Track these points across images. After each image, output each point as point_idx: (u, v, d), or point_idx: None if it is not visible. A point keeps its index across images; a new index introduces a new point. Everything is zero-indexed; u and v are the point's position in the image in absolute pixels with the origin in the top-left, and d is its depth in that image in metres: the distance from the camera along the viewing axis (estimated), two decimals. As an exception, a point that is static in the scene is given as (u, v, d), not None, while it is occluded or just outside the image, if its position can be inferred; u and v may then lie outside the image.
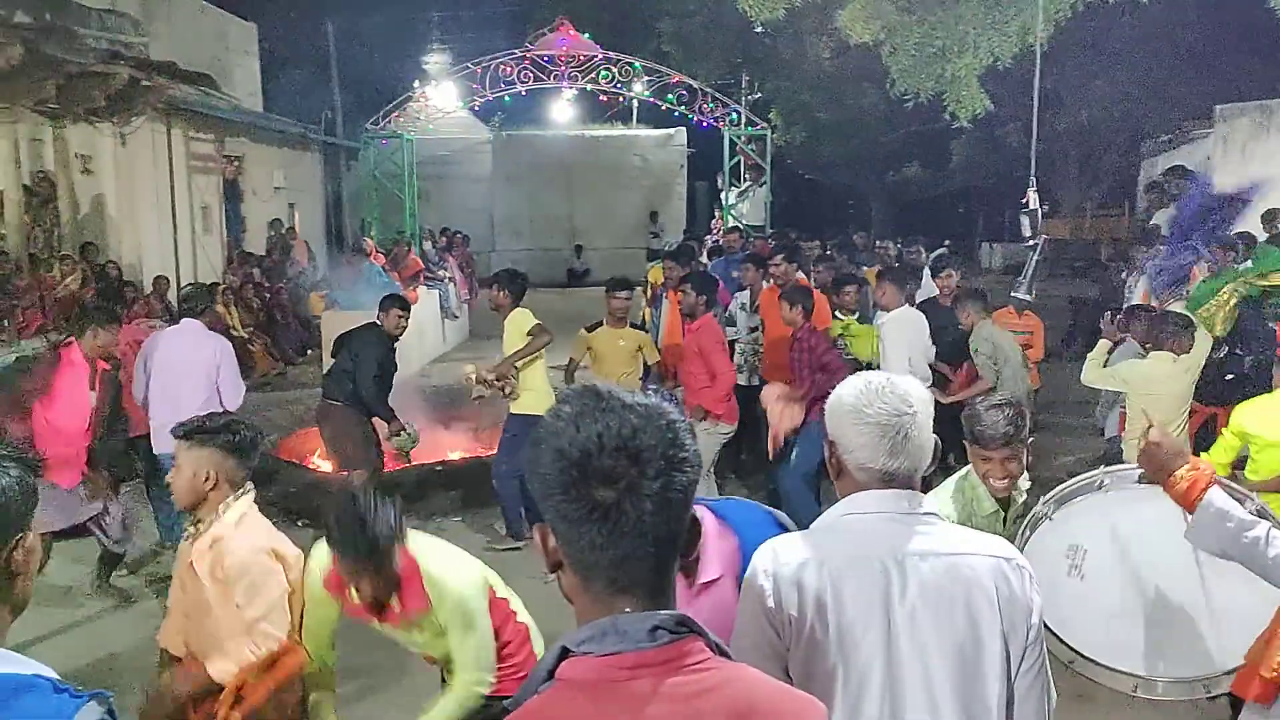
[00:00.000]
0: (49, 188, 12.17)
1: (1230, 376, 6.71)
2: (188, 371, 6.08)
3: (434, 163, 22.11)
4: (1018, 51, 14.17)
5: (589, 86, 17.27)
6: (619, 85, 17.14)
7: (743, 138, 17.86)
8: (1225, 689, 2.78)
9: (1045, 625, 1.97)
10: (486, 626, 3.16)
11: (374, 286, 11.27)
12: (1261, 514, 2.48)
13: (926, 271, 9.08)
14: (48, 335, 9.67)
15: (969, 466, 3.28)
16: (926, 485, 2.15)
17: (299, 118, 19.83)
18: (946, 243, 16.42)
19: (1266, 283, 7.13)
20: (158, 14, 14.59)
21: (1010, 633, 1.89)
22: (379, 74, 24.01)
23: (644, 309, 10.25)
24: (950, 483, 3.32)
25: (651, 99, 17.41)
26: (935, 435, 2.01)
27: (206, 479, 3.12)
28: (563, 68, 16.61)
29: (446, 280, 15.81)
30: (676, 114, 18.12)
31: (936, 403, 2.15)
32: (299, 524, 7.36)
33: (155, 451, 6.25)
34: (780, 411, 6.13)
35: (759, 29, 20.15)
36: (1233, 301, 7.06)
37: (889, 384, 1.97)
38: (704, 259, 10.79)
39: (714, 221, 20.45)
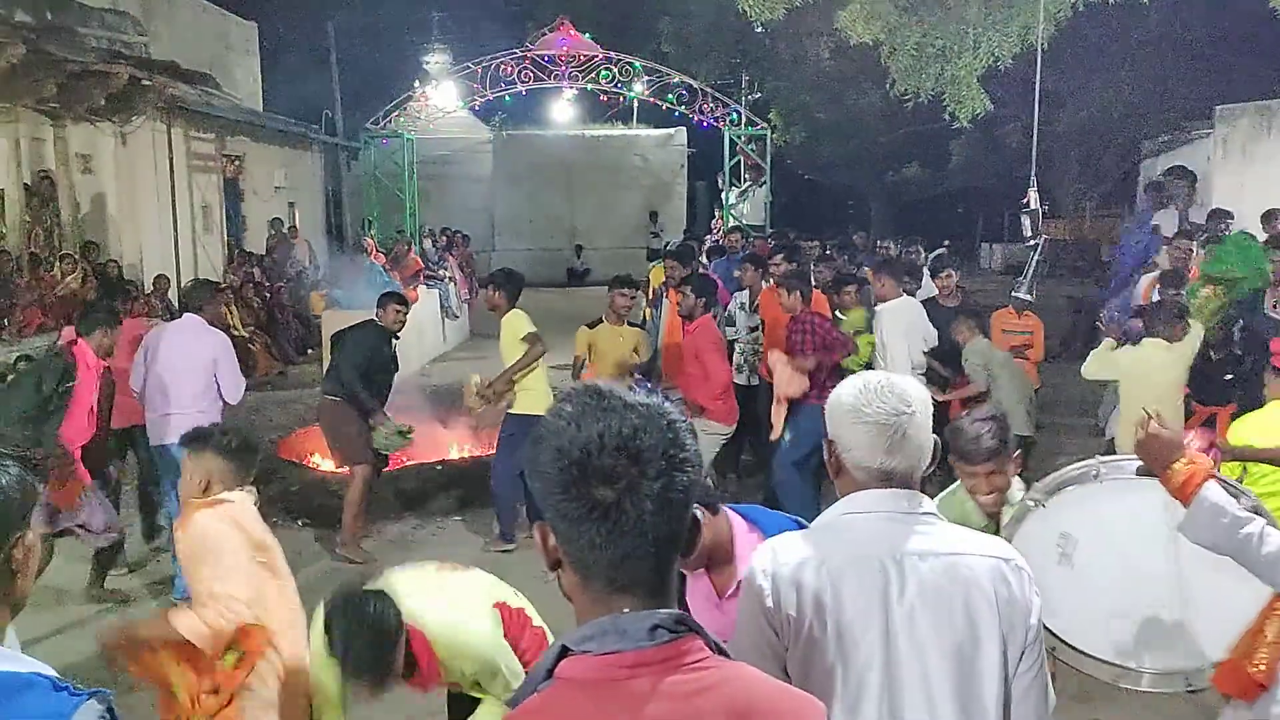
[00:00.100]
0: (49, 187, 12.16)
1: (1230, 377, 6.72)
2: (186, 366, 6.10)
3: (434, 162, 22.12)
4: (1018, 51, 14.15)
5: (589, 86, 17.28)
6: (619, 85, 17.15)
7: (743, 138, 17.87)
8: (1206, 683, 2.78)
9: None
10: (509, 657, 3.15)
11: (374, 286, 11.27)
12: (1257, 511, 2.48)
13: (926, 271, 9.09)
14: (48, 334, 9.68)
15: (959, 482, 3.25)
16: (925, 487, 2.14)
17: (299, 117, 19.84)
18: (946, 243, 16.44)
19: (1219, 282, 7.30)
20: (158, 13, 14.60)
21: (1009, 633, 1.89)
22: (379, 73, 24.02)
23: (644, 309, 10.27)
24: (940, 497, 3.30)
25: (651, 99, 17.41)
26: (935, 435, 2.02)
27: (202, 482, 3.33)
28: (563, 67, 16.62)
29: (447, 280, 15.82)
30: (676, 114, 18.13)
31: (936, 403, 2.15)
32: (299, 523, 7.38)
33: (152, 443, 6.27)
34: (787, 377, 6.25)
35: (759, 29, 20.13)
36: (1211, 306, 7.16)
37: (888, 383, 1.98)
38: (703, 259, 10.79)
39: (714, 221, 20.45)
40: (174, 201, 14.21)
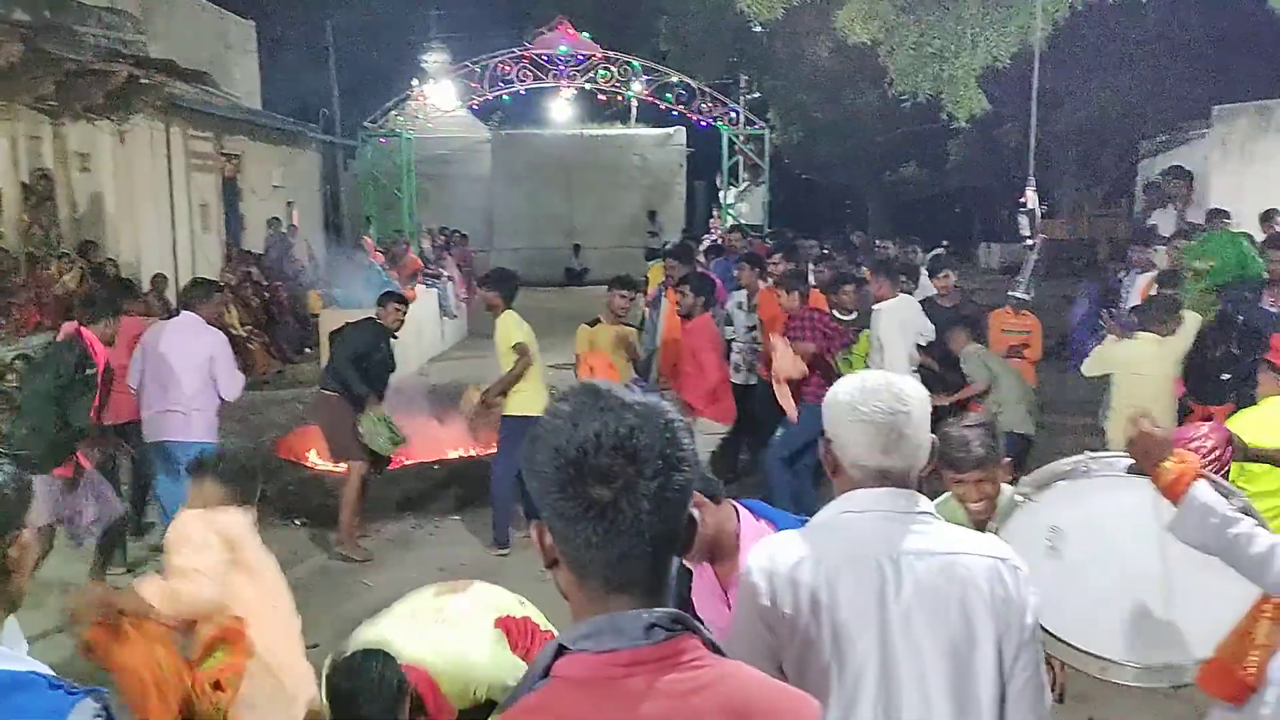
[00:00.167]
0: (47, 185, 12.14)
1: (1227, 376, 6.73)
2: (183, 364, 6.11)
3: (433, 161, 22.09)
4: (1016, 51, 14.17)
5: (587, 86, 17.26)
6: (617, 84, 17.14)
7: (741, 137, 17.86)
8: (1189, 679, 2.78)
9: None
10: (519, 671, 3.13)
11: (372, 285, 11.28)
12: (1246, 511, 2.48)
13: (924, 271, 9.09)
14: (46, 332, 9.66)
15: (950, 492, 3.20)
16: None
17: (298, 116, 19.82)
18: (944, 243, 16.44)
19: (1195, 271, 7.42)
20: (157, 12, 14.56)
21: (1004, 633, 1.89)
22: (378, 72, 23.99)
23: (643, 308, 10.27)
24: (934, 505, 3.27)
25: (650, 98, 17.40)
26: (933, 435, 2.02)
27: (204, 506, 3.52)
28: (561, 67, 16.61)
29: (445, 279, 15.82)
30: (675, 113, 18.12)
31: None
32: (296, 522, 7.38)
33: (147, 439, 6.29)
34: (789, 360, 6.30)
35: (757, 28, 20.14)
36: (1206, 298, 7.25)
37: (885, 382, 1.98)
38: (701, 258, 10.79)
39: (712, 221, 20.44)
40: (172, 200, 14.20)
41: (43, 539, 5.52)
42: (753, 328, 7.97)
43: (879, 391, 1.95)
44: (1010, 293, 8.44)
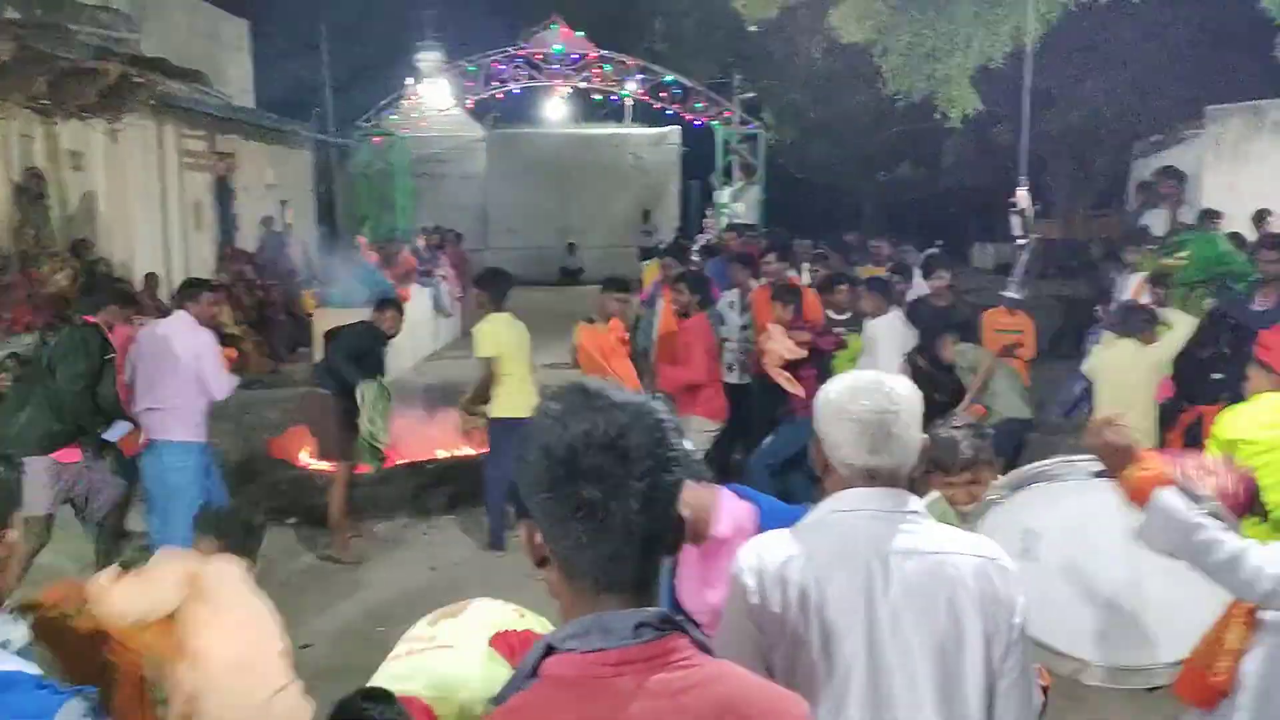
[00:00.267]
0: (39, 184, 12.10)
1: (1218, 376, 6.75)
2: (171, 364, 6.10)
3: (427, 160, 22.08)
4: (1009, 51, 14.19)
5: (582, 85, 17.26)
6: (612, 84, 17.13)
7: (735, 137, 17.86)
8: (1163, 681, 2.79)
9: None
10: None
11: (366, 284, 11.26)
12: (1215, 516, 2.49)
13: (918, 271, 9.09)
14: (36, 332, 9.63)
15: (938, 493, 3.19)
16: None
17: (291, 115, 19.76)
18: (938, 242, 16.44)
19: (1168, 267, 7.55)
20: (150, 11, 14.51)
21: (992, 633, 1.90)
22: (372, 71, 23.95)
23: (638, 307, 10.26)
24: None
25: (644, 97, 17.40)
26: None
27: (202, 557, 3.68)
28: (556, 66, 16.60)
29: (439, 278, 15.79)
30: (670, 113, 18.12)
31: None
32: (287, 522, 7.36)
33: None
34: (787, 345, 6.33)
35: (752, 28, 20.15)
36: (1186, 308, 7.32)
37: (875, 381, 1.98)
38: (695, 258, 10.80)
39: (706, 220, 20.46)
40: (165, 199, 14.16)
41: (39, 530, 5.55)
42: (745, 327, 7.98)
43: (869, 391, 1.96)
44: (1003, 292, 8.45)
